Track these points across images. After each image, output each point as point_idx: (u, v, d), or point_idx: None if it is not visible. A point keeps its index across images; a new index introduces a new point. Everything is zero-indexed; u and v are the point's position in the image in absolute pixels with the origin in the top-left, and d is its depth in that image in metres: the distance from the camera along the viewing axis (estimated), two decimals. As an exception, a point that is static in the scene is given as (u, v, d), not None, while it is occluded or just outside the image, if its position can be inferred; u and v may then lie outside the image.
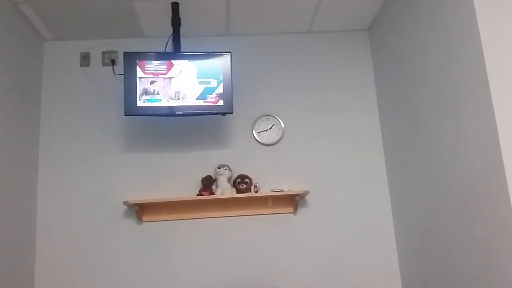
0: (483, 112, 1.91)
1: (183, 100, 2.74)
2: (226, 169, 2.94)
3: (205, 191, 2.91)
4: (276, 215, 3.02)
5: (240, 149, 3.10)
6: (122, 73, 2.79)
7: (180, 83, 2.75)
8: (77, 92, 3.13)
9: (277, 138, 3.12)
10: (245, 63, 3.22)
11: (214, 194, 2.90)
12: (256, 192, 2.95)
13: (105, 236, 2.94)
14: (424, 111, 2.49)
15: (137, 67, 2.74)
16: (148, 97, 2.72)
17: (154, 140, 3.08)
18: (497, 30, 1.90)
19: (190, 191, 3.01)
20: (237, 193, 2.92)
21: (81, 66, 3.16)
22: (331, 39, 3.29)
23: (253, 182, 3.00)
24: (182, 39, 3.05)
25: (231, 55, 2.81)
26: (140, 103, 2.71)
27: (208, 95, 2.76)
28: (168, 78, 2.75)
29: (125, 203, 2.82)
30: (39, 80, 3.09)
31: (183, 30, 3.00)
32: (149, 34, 3.16)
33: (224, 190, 2.90)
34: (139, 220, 2.95)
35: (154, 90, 2.73)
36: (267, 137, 3.12)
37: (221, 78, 2.79)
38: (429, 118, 2.42)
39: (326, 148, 3.13)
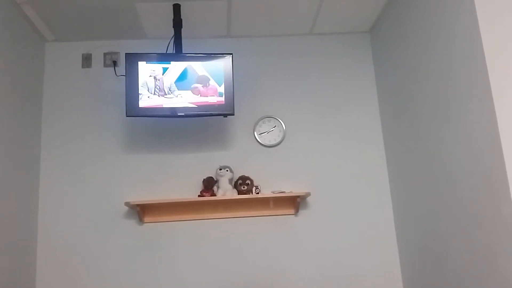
0: (485, 114, 1.91)
1: (185, 101, 2.75)
2: (227, 171, 2.94)
3: (206, 192, 2.91)
4: (277, 216, 3.02)
5: (241, 150, 3.10)
6: (124, 74, 2.79)
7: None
8: (79, 93, 3.13)
9: (278, 139, 3.12)
10: (247, 64, 3.22)
11: (215, 196, 2.90)
12: (258, 193, 2.95)
13: (106, 237, 2.94)
14: (425, 113, 2.49)
15: (139, 68, 2.74)
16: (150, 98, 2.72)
17: (156, 141, 3.09)
18: (498, 32, 1.90)
19: (191, 192, 3.01)
20: (239, 194, 2.92)
21: (82, 67, 3.16)
22: (333, 41, 3.29)
23: (255, 184, 3.00)
24: (183, 41, 3.05)
25: (232, 56, 2.81)
26: (141, 104, 2.72)
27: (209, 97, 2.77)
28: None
29: (127, 204, 2.82)
30: (40, 81, 3.10)
31: (184, 31, 3.00)
32: (150, 35, 3.17)
33: (225, 191, 2.90)
34: (141, 221, 2.95)
35: (155, 91, 2.73)
36: (268, 139, 3.12)
37: (222, 80, 2.79)
38: (431, 120, 2.43)
39: (327, 149, 3.13)
